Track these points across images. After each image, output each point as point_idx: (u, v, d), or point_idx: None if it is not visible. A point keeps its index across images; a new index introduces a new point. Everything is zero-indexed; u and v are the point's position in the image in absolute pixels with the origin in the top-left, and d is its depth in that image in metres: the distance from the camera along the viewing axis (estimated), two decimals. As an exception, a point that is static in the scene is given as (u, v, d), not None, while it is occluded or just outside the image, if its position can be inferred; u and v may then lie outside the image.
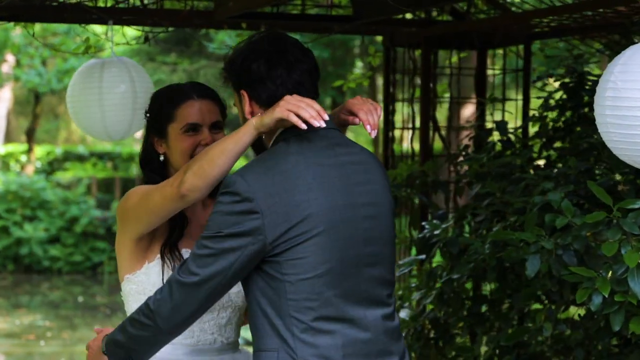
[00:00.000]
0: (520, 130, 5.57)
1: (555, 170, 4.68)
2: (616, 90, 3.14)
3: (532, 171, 5.01)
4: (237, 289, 3.48)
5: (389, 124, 6.01)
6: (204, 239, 3.19)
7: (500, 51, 5.97)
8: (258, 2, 4.74)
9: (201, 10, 5.28)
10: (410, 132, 5.93)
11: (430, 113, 5.76)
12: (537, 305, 4.81)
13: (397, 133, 6.39)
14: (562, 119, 5.20)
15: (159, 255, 3.50)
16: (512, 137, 5.19)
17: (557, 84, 5.36)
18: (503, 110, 5.81)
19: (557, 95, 5.12)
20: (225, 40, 16.15)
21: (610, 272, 3.74)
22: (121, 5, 5.13)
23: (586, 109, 5.11)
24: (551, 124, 5.22)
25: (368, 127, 3.30)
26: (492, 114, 5.72)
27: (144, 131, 3.67)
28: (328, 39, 5.22)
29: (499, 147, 5.14)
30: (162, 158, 3.61)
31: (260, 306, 3.23)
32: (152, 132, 3.62)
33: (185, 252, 3.53)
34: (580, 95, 5.01)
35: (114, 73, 5.13)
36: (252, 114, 3.29)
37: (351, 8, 5.58)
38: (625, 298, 3.66)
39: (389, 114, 5.97)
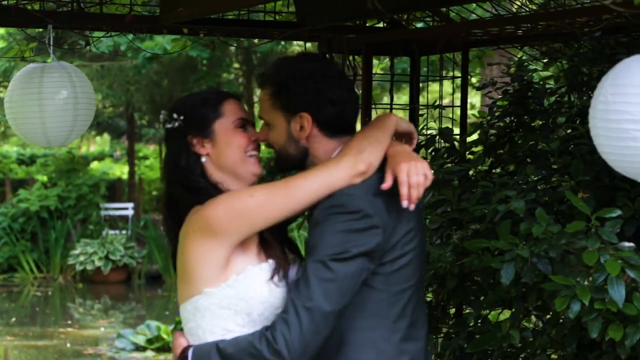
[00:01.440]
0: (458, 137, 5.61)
1: (507, 177, 4.75)
2: (606, 103, 3.20)
3: (472, 176, 5.06)
4: None
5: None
6: (331, 261, 3.19)
7: (434, 57, 6.00)
8: (211, 8, 4.67)
9: (145, 15, 5.17)
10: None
11: (367, 119, 5.76)
12: (484, 312, 4.86)
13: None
14: (501, 124, 5.28)
15: (249, 266, 3.35)
16: (456, 144, 5.23)
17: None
18: (440, 117, 5.85)
19: (504, 102, 5.19)
20: (103, 40, 15.92)
21: (587, 281, 3.81)
22: (65, 9, 4.97)
23: (527, 117, 5.20)
24: (492, 131, 5.29)
25: (405, 202, 3.27)
26: (429, 121, 5.76)
27: (172, 138, 3.50)
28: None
29: (445, 155, 5.18)
30: (204, 160, 3.47)
31: (355, 320, 3.30)
32: (192, 132, 3.46)
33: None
34: (527, 102, 5.09)
35: (55, 78, 4.99)
36: (308, 136, 3.42)
37: (293, 14, 5.57)
38: (604, 305, 3.72)
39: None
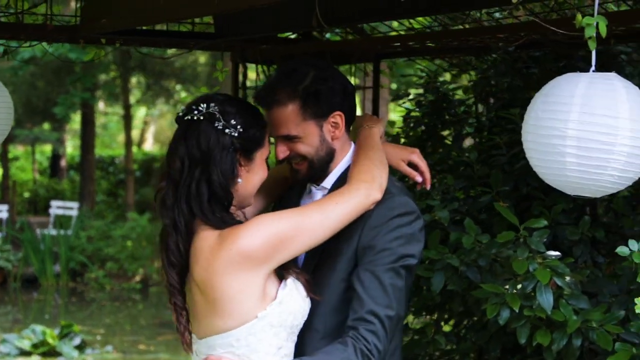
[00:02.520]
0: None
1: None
2: (537, 119, 3.30)
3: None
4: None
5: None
6: (401, 267, 3.30)
7: (343, 68, 6.05)
8: (135, 21, 4.65)
9: (65, 26, 5.09)
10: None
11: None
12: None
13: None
14: (412, 133, 5.38)
15: (286, 279, 3.34)
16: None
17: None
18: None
19: (419, 113, 5.30)
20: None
21: (515, 289, 3.91)
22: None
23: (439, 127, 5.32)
24: (404, 140, 5.39)
25: (429, 185, 3.64)
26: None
27: (219, 142, 3.29)
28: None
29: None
30: (240, 181, 3.36)
31: None
32: (241, 150, 3.34)
33: None
34: (442, 113, 5.20)
35: (-25, 88, 4.87)
36: (338, 138, 3.50)
37: (208, 25, 5.57)
38: (533, 312, 3.83)
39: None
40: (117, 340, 16.37)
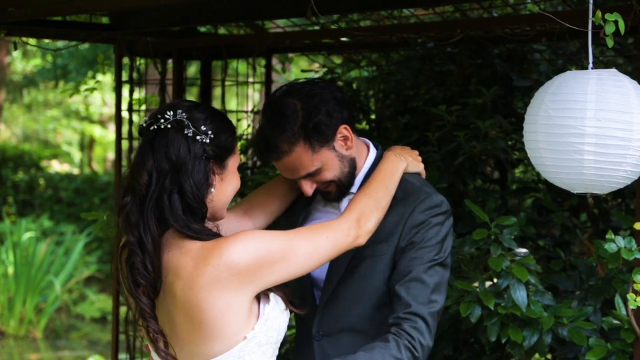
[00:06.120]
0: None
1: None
2: (548, 117, 3.18)
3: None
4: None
5: (121, 134, 5.52)
6: (439, 264, 3.24)
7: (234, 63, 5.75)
8: (47, 11, 4.18)
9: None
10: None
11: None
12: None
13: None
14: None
15: (270, 294, 3.01)
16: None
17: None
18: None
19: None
20: None
21: (484, 286, 3.75)
22: None
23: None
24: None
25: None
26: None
27: (190, 151, 2.94)
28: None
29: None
30: (213, 191, 2.98)
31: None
32: (213, 157, 2.98)
33: None
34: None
35: None
36: (352, 147, 3.32)
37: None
38: (507, 309, 3.67)
39: (121, 124, 5.50)
40: None
